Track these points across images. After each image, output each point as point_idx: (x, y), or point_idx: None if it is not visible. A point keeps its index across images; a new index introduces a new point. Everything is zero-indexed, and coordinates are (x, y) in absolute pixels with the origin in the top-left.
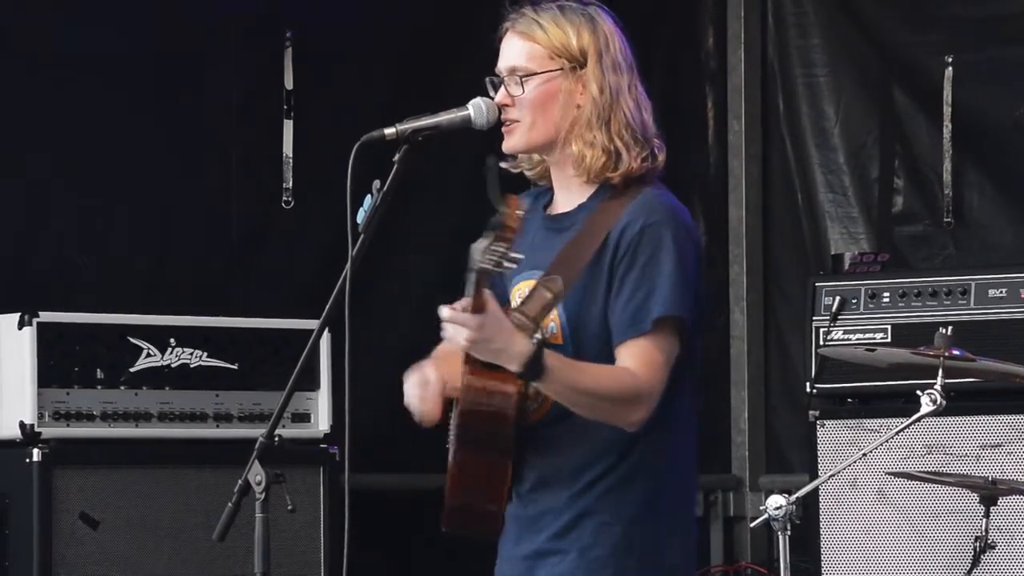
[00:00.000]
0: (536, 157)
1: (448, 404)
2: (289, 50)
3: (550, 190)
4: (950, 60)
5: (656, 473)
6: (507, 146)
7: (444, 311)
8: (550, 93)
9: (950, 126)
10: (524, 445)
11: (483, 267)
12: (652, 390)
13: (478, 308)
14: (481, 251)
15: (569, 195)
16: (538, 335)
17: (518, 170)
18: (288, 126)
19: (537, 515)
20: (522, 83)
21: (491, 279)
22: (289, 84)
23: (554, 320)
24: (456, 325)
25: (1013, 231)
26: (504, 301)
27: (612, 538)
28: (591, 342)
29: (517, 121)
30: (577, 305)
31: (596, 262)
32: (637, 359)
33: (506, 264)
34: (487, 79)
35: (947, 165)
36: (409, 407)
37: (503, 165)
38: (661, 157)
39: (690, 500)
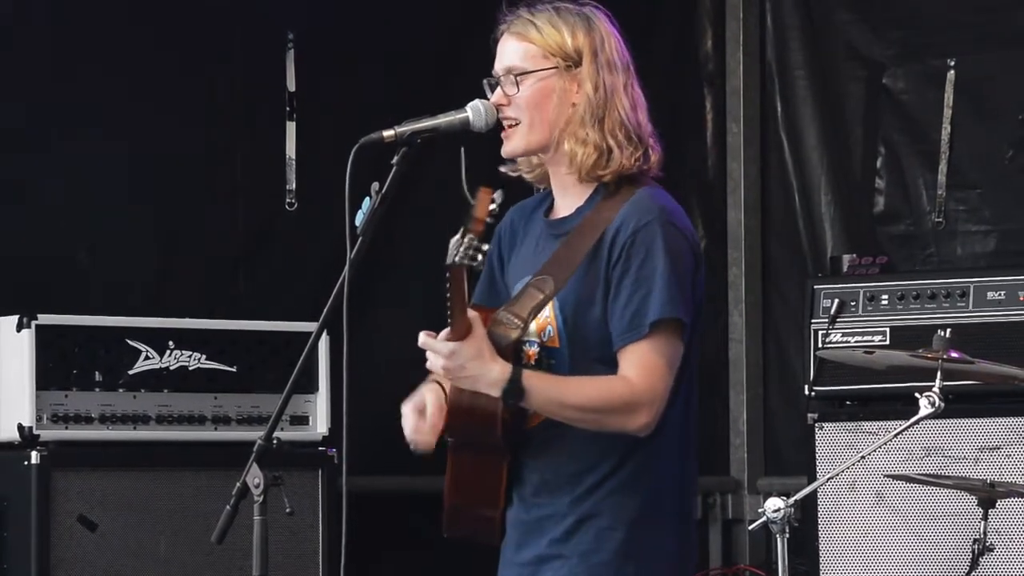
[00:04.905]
0: (535, 160)
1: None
2: (291, 51)
3: (551, 194)
4: (952, 64)
5: (657, 476)
6: (506, 150)
7: (421, 337)
8: (545, 91)
9: (949, 128)
10: (525, 448)
11: (458, 262)
12: (652, 395)
13: (462, 334)
14: (455, 245)
15: (567, 198)
16: (520, 332)
17: (516, 174)
18: (291, 128)
19: (539, 519)
20: (517, 82)
21: (488, 285)
22: (291, 86)
23: (551, 324)
24: (432, 352)
25: (998, 235)
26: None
27: (613, 543)
28: (589, 345)
29: (515, 123)
30: (573, 308)
31: (591, 264)
32: (635, 364)
33: (480, 257)
34: (484, 81)
35: (942, 167)
36: (405, 433)
37: (502, 169)
38: (656, 157)
39: (690, 502)
